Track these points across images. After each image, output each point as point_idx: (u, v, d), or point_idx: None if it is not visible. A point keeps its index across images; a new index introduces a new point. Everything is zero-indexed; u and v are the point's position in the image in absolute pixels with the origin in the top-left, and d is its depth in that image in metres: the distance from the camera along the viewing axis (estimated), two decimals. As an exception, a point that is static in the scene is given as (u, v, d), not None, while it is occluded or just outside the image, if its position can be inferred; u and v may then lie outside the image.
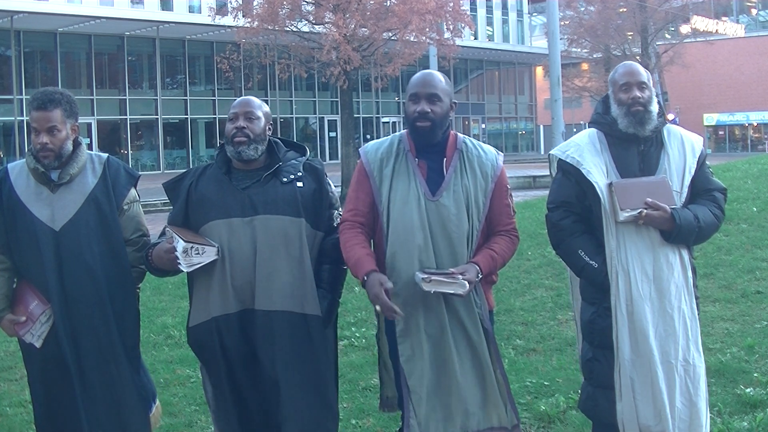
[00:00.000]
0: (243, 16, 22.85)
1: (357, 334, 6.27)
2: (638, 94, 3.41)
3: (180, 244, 3.23)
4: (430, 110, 3.28)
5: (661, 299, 3.32)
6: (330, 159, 37.14)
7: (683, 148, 3.47)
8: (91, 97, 33.63)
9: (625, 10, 38.03)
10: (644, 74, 3.48)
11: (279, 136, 3.71)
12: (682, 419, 3.30)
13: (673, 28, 43.94)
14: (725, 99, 51.65)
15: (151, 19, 33.68)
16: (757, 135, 53.94)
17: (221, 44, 30.16)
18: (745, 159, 19.03)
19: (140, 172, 3.89)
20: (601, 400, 3.45)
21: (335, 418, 3.45)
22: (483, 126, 51.05)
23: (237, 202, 3.34)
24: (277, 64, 22.91)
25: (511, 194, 3.46)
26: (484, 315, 3.32)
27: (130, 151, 35.18)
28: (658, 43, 40.88)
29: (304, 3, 21.68)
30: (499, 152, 3.47)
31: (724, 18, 53.41)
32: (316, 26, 21.77)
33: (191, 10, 37.75)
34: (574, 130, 49.58)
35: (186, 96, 37.37)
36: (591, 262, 3.40)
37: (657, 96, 3.53)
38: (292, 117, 40.87)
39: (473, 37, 45.20)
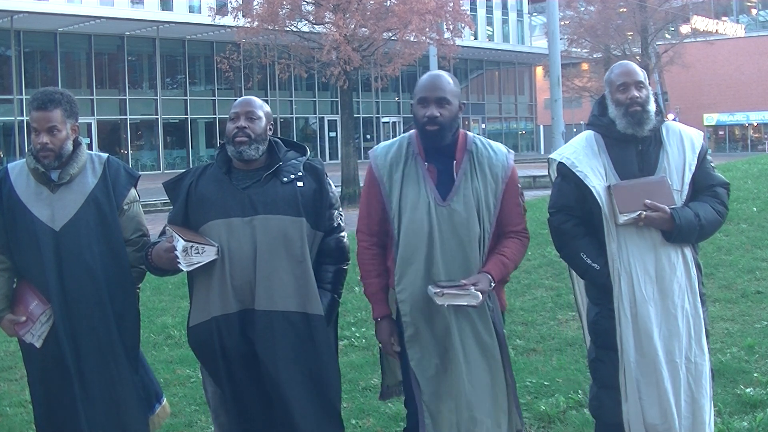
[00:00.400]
0: (243, 16, 22.86)
1: (357, 334, 6.27)
2: (636, 93, 3.39)
3: (180, 244, 3.23)
4: (439, 114, 3.24)
5: (663, 299, 3.32)
6: (330, 159, 37.13)
7: (682, 145, 3.44)
8: (91, 97, 33.64)
9: (625, 10, 38.04)
10: (641, 73, 3.46)
11: (279, 136, 3.70)
12: (686, 416, 3.30)
13: (673, 28, 43.95)
14: (725, 99, 51.66)
15: (151, 19, 33.68)
16: (757, 135, 53.94)
17: (221, 44, 30.17)
18: (745, 159, 19.03)
19: (140, 172, 3.89)
20: (606, 400, 3.46)
21: (338, 418, 3.44)
22: (483, 126, 51.03)
23: (237, 202, 3.34)
24: (277, 64, 22.92)
25: (522, 193, 3.44)
26: (496, 317, 3.30)
27: (130, 151, 35.19)
28: (658, 43, 40.89)
29: (304, 3, 21.69)
30: (510, 151, 3.44)
31: (724, 18, 53.42)
32: (316, 26, 21.78)
33: (191, 10, 37.75)
34: (574, 130, 49.58)
35: (186, 96, 37.38)
36: (593, 264, 3.41)
37: (655, 95, 3.52)
38: (292, 117, 40.87)
39: (473, 37, 45.19)
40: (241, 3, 23.60)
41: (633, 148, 3.43)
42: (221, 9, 26.95)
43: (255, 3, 22.38)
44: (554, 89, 20.61)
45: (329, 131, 41.55)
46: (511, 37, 54.34)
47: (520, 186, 3.42)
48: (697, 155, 3.44)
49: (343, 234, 3.52)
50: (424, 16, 20.17)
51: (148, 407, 3.67)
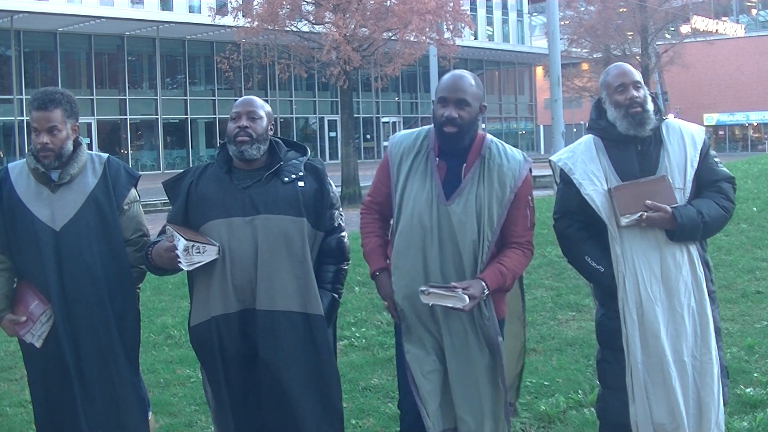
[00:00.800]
0: (243, 16, 22.86)
1: (357, 334, 6.27)
2: (635, 93, 3.39)
3: (181, 243, 3.23)
4: (457, 115, 3.22)
5: (670, 299, 3.32)
6: (330, 159, 37.13)
7: (683, 142, 3.43)
8: (91, 97, 33.64)
9: (625, 10, 38.04)
10: (637, 74, 3.46)
11: (279, 136, 3.70)
12: (692, 414, 3.31)
13: (673, 28, 43.96)
14: (725, 99, 51.66)
15: (151, 19, 33.69)
16: (757, 135, 53.94)
17: (221, 44, 30.16)
18: (745, 159, 19.03)
19: (140, 172, 3.89)
20: (611, 401, 3.47)
21: (339, 417, 3.44)
22: (483, 126, 50.91)
23: (238, 202, 3.34)
24: (277, 64, 22.93)
25: (532, 206, 3.37)
26: (492, 325, 3.24)
27: (130, 151, 35.19)
28: (658, 43, 40.89)
29: (304, 3, 21.69)
30: (528, 159, 3.36)
31: (724, 18, 53.44)
32: (316, 26, 21.78)
33: (191, 10, 37.76)
34: (574, 130, 49.63)
35: (186, 96, 37.39)
36: (597, 267, 3.41)
37: (653, 94, 3.52)
38: (292, 117, 40.88)
39: (473, 37, 45.20)
40: (241, 3, 23.60)
41: (633, 148, 3.42)
42: (221, 9, 26.96)
43: (255, 3, 22.38)
44: (554, 89, 20.57)
45: (329, 131, 41.55)
46: (511, 37, 54.35)
47: (531, 198, 3.35)
48: (699, 151, 3.43)
49: (343, 234, 3.52)
50: (424, 16, 20.17)
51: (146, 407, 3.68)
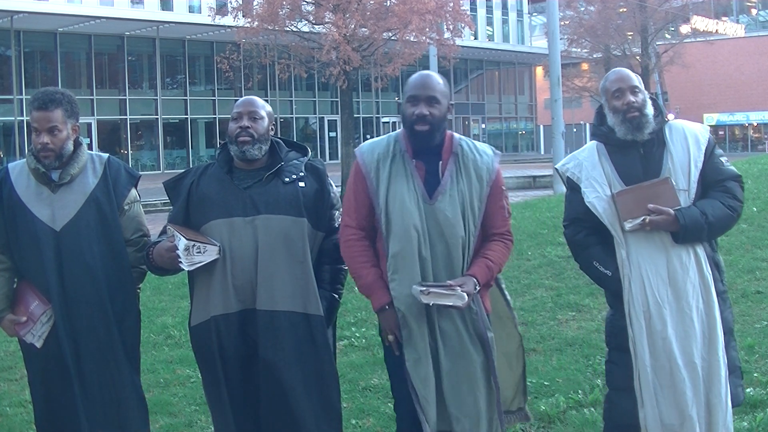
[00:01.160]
0: (243, 16, 22.87)
1: (357, 334, 6.27)
2: (632, 98, 3.40)
3: (182, 242, 3.23)
4: (428, 113, 3.24)
5: (678, 301, 3.33)
6: (330, 159, 37.15)
7: (686, 143, 3.43)
8: (91, 97, 33.64)
9: (625, 10, 38.04)
10: (635, 78, 3.47)
11: (279, 136, 3.71)
12: (701, 415, 3.32)
13: (673, 28, 43.96)
14: (725, 99, 51.66)
15: (151, 19, 33.69)
16: (757, 135, 53.94)
17: (221, 44, 30.15)
18: (745, 159, 19.04)
19: (140, 172, 3.89)
20: (618, 402, 3.48)
21: (338, 418, 3.44)
22: (483, 126, 51.05)
23: (239, 202, 3.34)
24: (277, 64, 22.94)
25: (507, 195, 3.43)
26: (479, 321, 3.26)
27: (130, 151, 35.20)
28: (658, 43, 40.89)
29: (304, 3, 21.69)
30: (497, 152, 3.41)
31: (724, 18, 53.44)
32: (316, 26, 21.79)
33: (191, 10, 37.76)
34: (574, 130, 49.58)
35: (186, 96, 37.39)
36: (605, 271, 3.44)
37: (654, 95, 3.52)
38: (292, 117, 40.88)
39: (473, 37, 45.20)
40: (241, 3, 23.61)
41: (635, 152, 3.43)
42: (221, 9, 26.96)
43: (255, 3, 22.39)
44: (554, 89, 20.59)
45: (329, 131, 41.55)
46: (511, 37, 54.34)
47: (504, 188, 3.40)
48: (704, 151, 3.42)
49: (343, 234, 3.51)
50: (424, 16, 20.18)
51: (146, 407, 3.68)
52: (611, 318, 3.55)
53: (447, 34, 22.59)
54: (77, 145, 3.54)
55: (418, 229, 3.20)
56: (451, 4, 21.88)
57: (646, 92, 3.48)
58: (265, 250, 3.29)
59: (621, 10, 38.04)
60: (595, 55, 41.77)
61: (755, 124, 53.94)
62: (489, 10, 52.66)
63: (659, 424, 3.32)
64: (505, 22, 54.22)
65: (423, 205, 3.23)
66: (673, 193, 3.34)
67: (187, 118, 37.23)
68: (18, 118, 29.91)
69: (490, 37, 52.58)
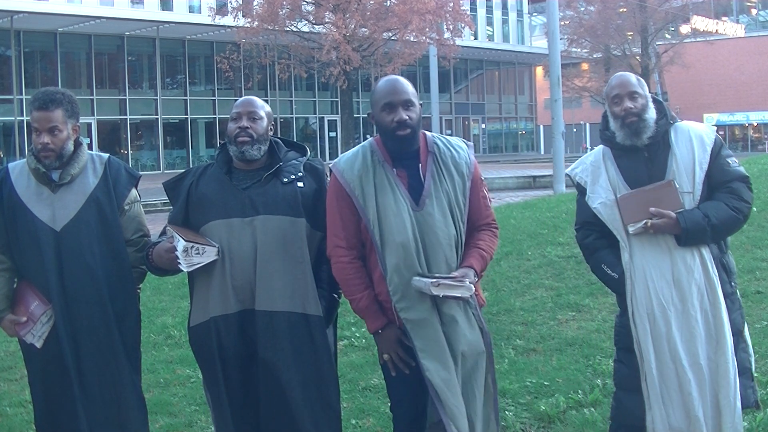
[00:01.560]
0: (243, 16, 22.92)
1: (357, 334, 6.26)
2: (629, 105, 3.41)
3: (180, 244, 3.23)
4: (407, 117, 3.22)
5: (683, 303, 3.33)
6: (330, 159, 37.13)
7: (691, 144, 3.43)
8: (91, 97, 33.65)
9: (625, 10, 38.08)
10: (635, 83, 3.47)
11: (279, 136, 3.70)
12: (711, 416, 3.32)
13: (673, 28, 43.99)
14: (725, 99, 51.67)
15: (151, 19, 33.70)
16: (757, 135, 53.96)
17: (221, 44, 30.20)
18: (745, 159, 19.02)
19: (140, 172, 3.89)
20: (624, 401, 3.50)
21: (337, 418, 3.44)
22: (483, 126, 51.05)
23: (237, 202, 3.34)
24: (277, 64, 22.98)
25: (485, 184, 3.44)
26: (478, 313, 3.28)
27: (130, 151, 35.21)
28: (658, 43, 40.92)
29: (304, 3, 21.73)
30: (469, 144, 3.43)
31: (724, 18, 53.47)
32: (316, 26, 21.83)
33: (191, 10, 37.77)
34: (574, 130, 49.53)
35: (186, 96, 37.39)
36: (612, 274, 3.48)
37: (658, 98, 3.53)
38: (292, 117, 40.89)
39: (473, 37, 45.23)
40: (241, 3, 23.65)
41: (640, 156, 3.45)
42: (221, 9, 27.02)
43: (255, 3, 22.42)
44: (554, 89, 20.60)
45: (329, 131, 41.56)
46: (511, 37, 54.35)
47: (483, 179, 3.42)
48: (709, 152, 3.42)
49: (343, 234, 3.51)
50: (424, 16, 20.23)
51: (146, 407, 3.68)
52: (620, 318, 3.59)
53: (447, 34, 22.64)
54: (77, 145, 3.54)
55: (411, 239, 3.19)
56: (451, 4, 21.92)
57: (649, 96, 3.48)
58: (263, 250, 3.29)
59: (621, 10, 38.08)
60: (595, 55, 41.82)
61: (755, 124, 53.95)
62: (489, 10, 52.67)
63: (667, 426, 3.33)
64: (505, 22, 54.22)
65: (412, 213, 3.22)
66: (676, 195, 3.34)
67: (187, 118, 37.23)
68: (18, 118, 29.92)
69: (490, 37, 52.59)
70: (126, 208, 3.57)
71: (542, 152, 50.80)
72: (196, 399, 5.08)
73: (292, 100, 40.68)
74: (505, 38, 53.79)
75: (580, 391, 4.83)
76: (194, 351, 3.49)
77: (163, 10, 36.67)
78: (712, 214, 3.34)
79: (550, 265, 8.17)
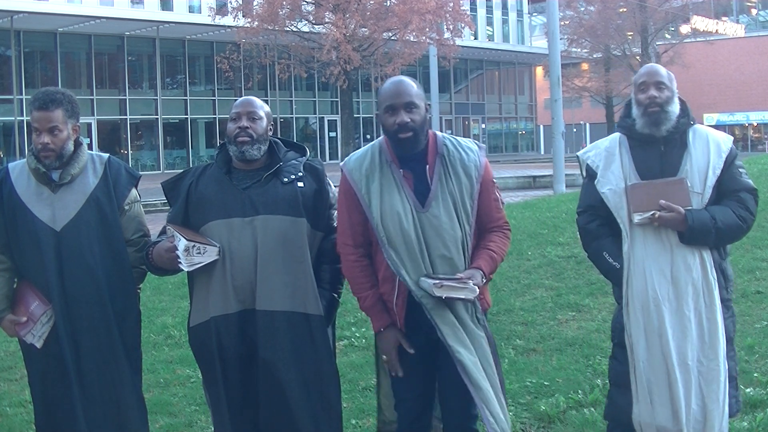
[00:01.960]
0: (243, 16, 22.93)
1: (357, 334, 6.26)
2: (655, 93, 3.41)
3: (181, 243, 3.23)
4: (409, 120, 3.21)
5: (678, 300, 3.33)
6: (330, 159, 37.14)
7: (708, 149, 3.44)
8: (91, 97, 33.65)
9: (625, 10, 38.08)
10: (664, 74, 3.48)
11: (279, 136, 3.70)
12: (697, 420, 3.30)
13: (673, 28, 44.00)
14: (725, 99, 51.68)
15: (151, 19, 33.69)
16: (757, 135, 53.98)
17: (221, 44, 30.20)
18: (745, 159, 19.02)
19: (140, 172, 3.88)
20: (616, 398, 3.50)
21: (338, 418, 3.44)
22: (483, 126, 51.06)
23: (238, 202, 3.34)
24: (277, 64, 22.98)
25: (498, 187, 3.43)
26: (483, 317, 3.29)
27: (130, 151, 35.20)
28: (658, 43, 40.92)
29: (304, 3, 21.74)
30: (481, 146, 3.41)
31: (724, 18, 53.47)
32: (316, 26, 21.83)
33: (191, 10, 37.76)
34: (574, 130, 49.51)
35: (186, 96, 37.39)
36: (614, 263, 3.45)
37: (683, 99, 3.52)
38: (292, 117, 40.88)
39: (473, 37, 45.22)
40: (241, 3, 23.66)
41: (656, 149, 3.45)
42: (221, 9, 27.03)
43: (255, 3, 22.43)
44: (554, 89, 20.60)
45: (329, 131, 41.56)
46: (511, 37, 54.35)
47: (495, 181, 3.40)
48: (724, 159, 3.44)
49: (342, 234, 3.52)
50: (424, 16, 20.24)
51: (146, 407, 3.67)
52: (617, 314, 3.57)
53: (447, 34, 22.64)
54: (77, 145, 3.54)
55: (414, 240, 3.19)
56: (451, 4, 21.92)
57: (676, 91, 3.49)
58: (264, 250, 3.29)
59: (621, 10, 38.08)
60: (595, 55, 41.81)
61: (755, 124, 53.96)
62: (489, 10, 52.67)
63: (652, 422, 3.33)
64: (505, 22, 54.22)
65: (416, 214, 3.22)
66: (686, 193, 3.35)
67: (187, 118, 37.23)
68: (18, 118, 29.91)
69: (490, 37, 52.58)
70: (126, 208, 3.57)
71: (542, 152, 50.79)
72: (196, 399, 5.08)
73: (292, 100, 40.67)
74: (505, 38, 53.79)
75: (580, 391, 4.83)
76: (194, 351, 3.49)
77: (163, 10, 36.67)
78: (719, 217, 3.35)
79: (550, 265, 8.17)
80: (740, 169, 3.49)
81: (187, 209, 3.42)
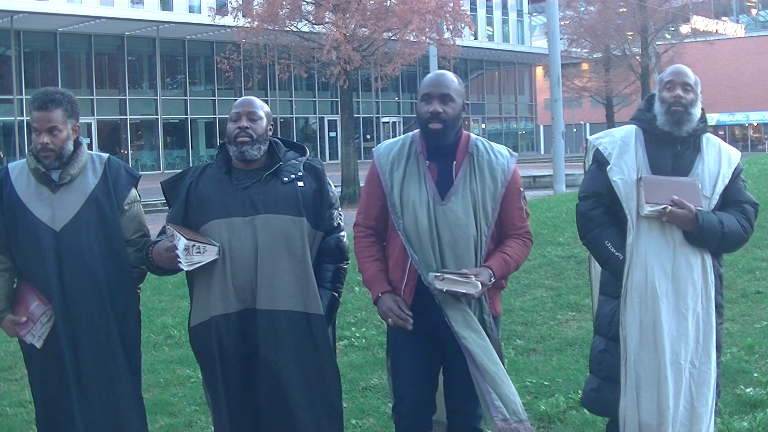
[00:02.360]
0: (243, 16, 22.90)
1: (357, 334, 6.27)
2: (681, 93, 3.42)
3: (181, 242, 3.23)
4: (442, 110, 3.26)
5: (677, 298, 3.33)
6: (330, 159, 37.13)
7: (719, 158, 3.48)
8: (91, 97, 33.64)
9: (625, 10, 38.03)
10: (691, 77, 3.48)
11: (279, 136, 3.71)
12: (683, 423, 3.30)
13: (673, 28, 43.93)
14: (725, 99, 51.66)
15: (151, 19, 33.69)
16: (757, 135, 53.97)
17: (221, 44, 30.17)
18: (745, 159, 19.01)
19: (140, 172, 3.89)
20: (606, 393, 3.47)
21: (339, 417, 3.44)
22: (483, 126, 51.04)
23: (238, 202, 3.34)
24: (277, 64, 22.95)
25: (525, 197, 3.43)
26: (490, 320, 3.28)
27: (130, 151, 35.20)
28: (658, 43, 40.86)
29: (304, 3, 21.71)
30: (513, 153, 3.43)
31: (724, 18, 53.45)
32: (316, 26, 21.81)
33: (191, 10, 37.76)
34: (574, 130, 49.47)
35: (186, 96, 37.39)
36: (617, 253, 3.43)
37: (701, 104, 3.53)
38: (292, 117, 40.88)
39: (473, 37, 45.18)
40: (241, 3, 23.63)
41: (670, 148, 3.46)
42: (221, 9, 26.99)
43: (255, 3, 22.41)
44: (554, 89, 20.61)
45: (329, 131, 41.55)
46: (511, 37, 54.34)
47: (522, 190, 3.41)
48: (733, 170, 3.48)
49: (342, 234, 3.53)
50: (424, 15, 20.21)
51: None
52: (614, 308, 3.52)
53: (447, 34, 22.61)
54: (77, 145, 3.54)
55: (426, 230, 3.22)
56: (451, 4, 21.90)
57: (700, 96, 3.50)
58: (264, 249, 3.29)
59: (621, 10, 38.03)
60: (595, 55, 41.73)
61: (755, 124, 53.95)
62: (489, 10, 52.66)
63: (636, 418, 3.31)
64: (505, 22, 54.22)
65: (434, 206, 3.25)
66: (697, 195, 3.37)
67: (187, 118, 37.23)
68: (18, 118, 29.90)
69: (490, 37, 52.58)
70: (126, 208, 3.56)
71: (542, 152, 50.78)
72: (196, 399, 5.08)
73: (292, 100, 40.67)
74: (505, 38, 53.78)
75: (580, 391, 4.82)
76: (194, 351, 3.49)
77: (163, 10, 36.67)
78: (726, 222, 3.37)
79: (550, 265, 8.18)
80: (744, 183, 3.55)
81: (187, 209, 3.42)
